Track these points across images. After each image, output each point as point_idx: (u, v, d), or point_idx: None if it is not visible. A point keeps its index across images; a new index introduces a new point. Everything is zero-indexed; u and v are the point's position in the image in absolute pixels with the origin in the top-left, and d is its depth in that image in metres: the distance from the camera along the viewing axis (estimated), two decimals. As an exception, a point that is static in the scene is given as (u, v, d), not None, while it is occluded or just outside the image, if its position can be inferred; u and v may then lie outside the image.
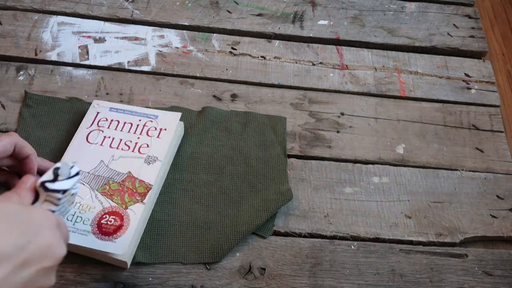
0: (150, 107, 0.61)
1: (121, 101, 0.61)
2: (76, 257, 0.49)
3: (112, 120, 0.56)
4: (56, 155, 0.55)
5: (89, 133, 0.55)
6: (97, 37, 0.67)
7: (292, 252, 0.53)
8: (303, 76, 0.67)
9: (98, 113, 0.57)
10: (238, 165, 0.58)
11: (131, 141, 0.55)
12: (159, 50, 0.67)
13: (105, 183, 0.52)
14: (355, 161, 0.61)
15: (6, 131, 0.58)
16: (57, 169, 0.40)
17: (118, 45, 0.66)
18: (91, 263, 0.49)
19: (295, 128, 0.62)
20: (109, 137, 0.55)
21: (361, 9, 0.75)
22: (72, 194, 0.41)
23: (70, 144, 0.54)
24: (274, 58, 0.69)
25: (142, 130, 0.56)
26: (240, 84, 0.66)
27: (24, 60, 0.64)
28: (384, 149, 0.62)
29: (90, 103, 0.58)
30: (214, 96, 0.64)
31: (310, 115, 0.64)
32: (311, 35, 0.72)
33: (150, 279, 0.50)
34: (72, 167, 0.41)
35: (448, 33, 0.74)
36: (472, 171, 0.61)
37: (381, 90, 0.67)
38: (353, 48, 0.71)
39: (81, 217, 0.49)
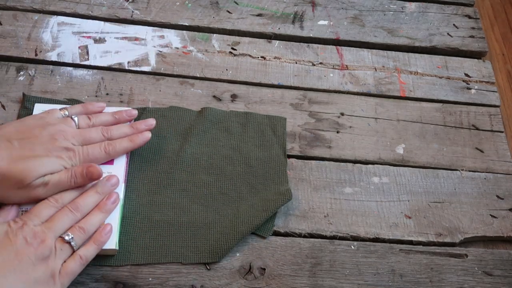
0: (149, 107, 0.61)
1: (121, 102, 0.61)
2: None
3: None
4: None
5: None
6: (97, 37, 0.67)
7: (292, 252, 0.53)
8: (303, 76, 0.67)
9: None
10: (238, 165, 0.58)
11: None
12: (159, 51, 0.67)
13: None
14: (355, 161, 0.61)
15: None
16: None
17: (118, 45, 0.66)
18: (91, 263, 0.49)
19: (295, 128, 0.62)
20: None
21: (361, 9, 0.75)
22: None
23: None
24: (274, 58, 0.69)
25: None
26: (240, 84, 0.66)
27: (24, 60, 0.64)
28: (384, 149, 0.62)
29: None
30: (214, 96, 0.64)
31: (310, 115, 0.64)
32: (311, 35, 0.72)
33: (150, 279, 0.50)
34: None
35: (448, 33, 0.74)
36: (472, 171, 0.61)
37: (381, 90, 0.67)
38: (353, 48, 0.71)
39: None
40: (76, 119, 0.52)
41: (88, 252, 0.47)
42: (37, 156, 0.46)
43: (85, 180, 0.48)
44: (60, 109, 0.53)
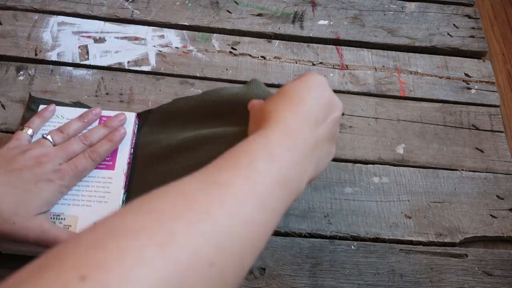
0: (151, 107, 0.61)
1: (121, 101, 0.61)
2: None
3: None
4: None
5: None
6: (97, 37, 0.67)
7: (292, 252, 0.53)
8: (303, 76, 0.67)
9: None
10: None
11: None
12: (159, 50, 0.67)
13: None
14: (355, 161, 0.61)
15: (6, 131, 0.58)
16: None
17: (118, 45, 0.66)
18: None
19: (295, 128, 0.62)
20: None
21: (361, 9, 0.75)
22: None
23: None
24: (274, 58, 0.69)
25: None
26: (240, 84, 0.66)
27: (24, 60, 0.64)
28: (384, 149, 0.62)
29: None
30: (214, 96, 0.64)
31: (310, 115, 0.64)
32: (311, 35, 0.72)
33: (150, 279, 0.50)
34: None
35: (448, 33, 0.74)
36: (472, 171, 0.61)
37: (381, 90, 0.67)
38: (353, 48, 0.71)
39: None
40: (49, 137, 0.51)
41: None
42: (28, 189, 0.45)
43: None
44: (22, 128, 0.52)
